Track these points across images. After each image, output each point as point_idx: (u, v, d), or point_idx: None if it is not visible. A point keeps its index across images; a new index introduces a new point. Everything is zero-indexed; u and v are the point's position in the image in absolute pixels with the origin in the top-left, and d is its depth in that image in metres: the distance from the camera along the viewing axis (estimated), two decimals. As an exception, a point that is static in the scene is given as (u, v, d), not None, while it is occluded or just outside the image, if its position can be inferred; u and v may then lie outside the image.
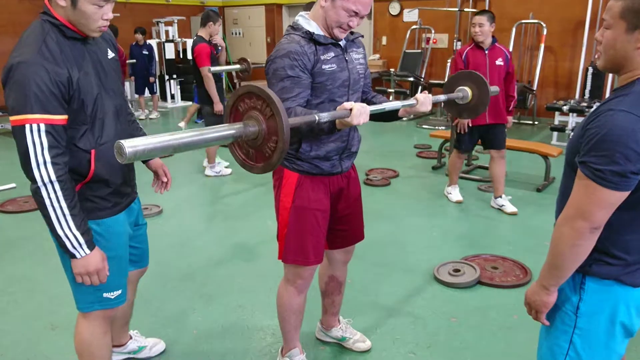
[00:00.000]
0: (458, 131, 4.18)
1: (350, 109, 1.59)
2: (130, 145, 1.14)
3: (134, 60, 8.51)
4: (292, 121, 1.44)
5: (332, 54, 1.82)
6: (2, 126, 7.55)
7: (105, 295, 1.73)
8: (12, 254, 3.46)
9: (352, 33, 1.93)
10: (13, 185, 4.57)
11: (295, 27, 1.83)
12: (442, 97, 2.05)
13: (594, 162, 1.17)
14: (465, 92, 2.09)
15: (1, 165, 5.78)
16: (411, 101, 1.86)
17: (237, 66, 5.01)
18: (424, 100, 1.86)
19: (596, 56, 1.33)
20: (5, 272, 3.21)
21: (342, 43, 1.86)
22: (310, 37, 1.78)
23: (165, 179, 2.04)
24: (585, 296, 1.32)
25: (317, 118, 1.52)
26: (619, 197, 1.18)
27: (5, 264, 3.32)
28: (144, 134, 1.96)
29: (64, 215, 1.51)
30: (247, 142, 1.41)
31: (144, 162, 1.95)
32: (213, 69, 4.65)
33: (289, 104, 1.75)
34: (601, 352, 1.34)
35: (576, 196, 1.23)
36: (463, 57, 4.01)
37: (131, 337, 2.29)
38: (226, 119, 1.47)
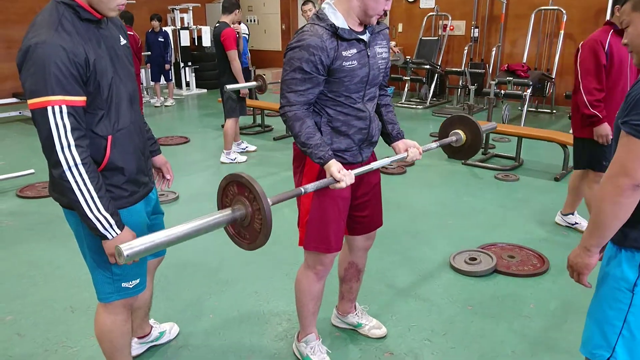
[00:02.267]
0: (602, 143, 3.09)
1: (338, 181, 1.72)
2: (128, 247, 1.25)
3: (149, 53, 8.51)
4: (276, 198, 1.52)
5: (354, 50, 1.78)
6: (19, 113, 7.64)
7: (123, 285, 1.73)
8: (32, 239, 3.51)
9: (377, 23, 1.89)
10: (32, 171, 4.63)
11: (320, 17, 1.78)
12: (433, 145, 2.15)
13: (635, 119, 1.21)
14: (458, 135, 2.19)
15: (19, 151, 5.86)
16: (402, 155, 2.00)
17: (254, 83, 5.40)
18: (412, 156, 2.00)
19: (633, 59, 1.37)
20: (25, 256, 3.26)
21: (365, 37, 1.83)
22: (334, 30, 1.74)
23: (168, 176, 2.06)
24: None
25: (302, 191, 1.62)
26: None
27: (25, 248, 3.37)
28: (157, 146, 2.01)
29: (92, 197, 1.49)
30: (237, 223, 1.51)
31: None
32: (231, 87, 4.95)
33: (296, 98, 1.75)
34: None
35: (619, 154, 1.25)
36: (606, 48, 2.98)
37: (152, 327, 2.32)
38: (219, 203, 1.59)
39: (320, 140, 1.77)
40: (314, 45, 1.71)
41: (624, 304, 1.32)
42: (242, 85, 5.14)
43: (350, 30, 1.77)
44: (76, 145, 1.46)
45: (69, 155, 1.45)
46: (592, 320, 1.42)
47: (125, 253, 1.23)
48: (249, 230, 1.49)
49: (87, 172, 1.48)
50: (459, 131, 2.19)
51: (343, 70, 1.77)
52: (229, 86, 4.93)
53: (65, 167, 1.45)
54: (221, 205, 1.56)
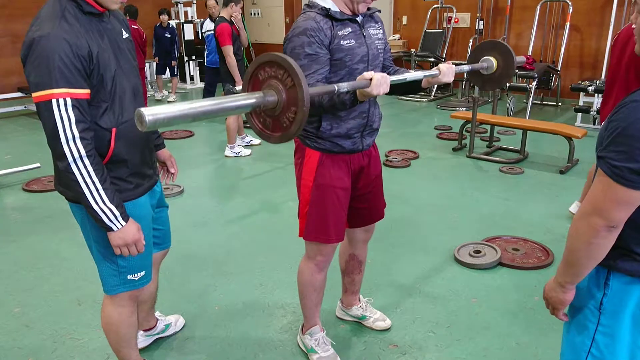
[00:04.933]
0: None
1: (370, 79, 1.56)
2: (150, 113, 1.12)
3: (156, 56, 8.49)
4: (312, 91, 1.40)
5: (349, 30, 1.80)
6: (25, 107, 7.67)
7: (129, 277, 1.75)
8: (39, 232, 3.54)
9: (369, 8, 1.90)
10: (37, 165, 4.66)
11: (310, 5, 1.81)
12: (466, 67, 2.02)
13: (612, 157, 1.11)
14: (490, 62, 2.06)
15: (25, 146, 5.88)
16: (434, 71, 1.83)
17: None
18: (446, 71, 1.83)
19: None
20: (32, 249, 3.29)
21: (358, 19, 1.84)
22: (326, 12, 1.76)
23: (173, 170, 2.06)
24: (610, 292, 1.25)
25: (336, 88, 1.48)
26: (637, 196, 1.11)
27: (32, 241, 3.40)
28: (162, 140, 2.02)
29: (97, 189, 1.51)
30: (266, 111, 1.38)
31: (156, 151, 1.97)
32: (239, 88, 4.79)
33: (307, 81, 1.73)
34: (625, 351, 1.28)
35: (594, 192, 1.16)
36: None
37: (158, 319, 2.33)
38: (245, 87, 1.44)
39: (335, 85, 1.60)
40: (310, 27, 1.72)
41: (592, 323, 1.28)
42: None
43: (341, 12, 1.79)
44: (81, 138, 1.47)
45: (74, 147, 1.46)
46: (565, 336, 1.39)
47: (147, 118, 1.11)
48: (280, 119, 1.36)
49: (92, 164, 1.49)
50: (491, 57, 2.06)
51: (342, 49, 1.77)
52: (238, 87, 4.89)
53: (70, 159, 1.46)
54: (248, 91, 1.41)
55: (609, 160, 1.11)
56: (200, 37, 10.25)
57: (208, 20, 6.96)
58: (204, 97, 6.98)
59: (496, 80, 2.10)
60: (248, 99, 1.31)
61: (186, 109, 1.18)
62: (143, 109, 1.12)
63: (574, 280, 1.26)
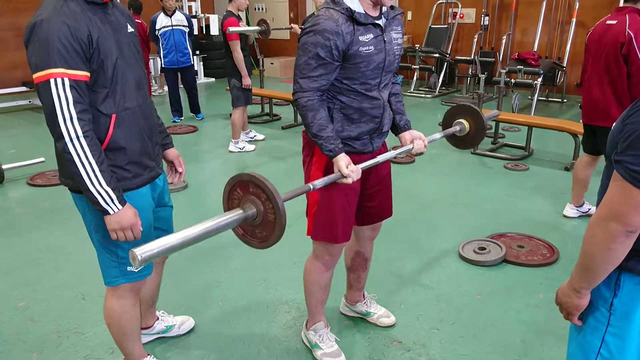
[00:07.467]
0: None
1: (345, 176, 1.72)
2: (142, 252, 1.22)
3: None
4: (287, 195, 1.49)
5: (371, 35, 1.75)
6: (29, 101, 7.68)
7: (129, 268, 1.75)
8: (42, 226, 3.55)
9: (392, 8, 1.86)
10: (42, 159, 4.66)
11: (335, 1, 1.74)
12: (437, 136, 2.15)
13: (630, 162, 1.07)
14: (462, 125, 2.20)
15: (29, 140, 5.90)
16: (408, 147, 2.00)
17: (257, 27, 5.15)
18: (418, 149, 1.99)
19: None
20: (36, 243, 3.29)
21: (381, 22, 1.80)
22: (350, 14, 1.71)
23: (180, 169, 2.05)
24: (621, 293, 1.23)
25: (311, 187, 1.59)
26: None
27: (36, 235, 3.41)
28: (170, 139, 2.00)
29: (94, 171, 1.51)
30: (247, 222, 1.48)
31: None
32: (233, 29, 4.75)
33: (309, 84, 1.73)
34: (636, 352, 1.26)
35: (611, 196, 1.13)
36: None
37: (158, 318, 2.31)
38: (225, 201, 1.53)
39: (331, 133, 1.76)
40: (329, 29, 1.68)
41: (602, 324, 1.27)
42: (246, 29, 4.99)
43: (366, 14, 1.74)
44: (78, 119, 1.49)
45: (71, 127, 1.48)
46: (574, 336, 1.37)
47: (139, 257, 1.21)
48: (261, 229, 1.47)
49: (88, 145, 1.50)
50: (463, 120, 2.20)
51: (360, 55, 1.74)
52: (233, 28, 4.76)
53: (67, 139, 1.48)
54: (227, 206, 1.53)
55: (626, 164, 1.08)
56: (204, 32, 10.23)
57: (162, 14, 6.41)
58: (171, 104, 6.77)
59: (469, 142, 2.25)
60: (230, 218, 1.42)
61: (174, 241, 1.29)
62: (136, 250, 1.21)
63: (590, 286, 1.24)
